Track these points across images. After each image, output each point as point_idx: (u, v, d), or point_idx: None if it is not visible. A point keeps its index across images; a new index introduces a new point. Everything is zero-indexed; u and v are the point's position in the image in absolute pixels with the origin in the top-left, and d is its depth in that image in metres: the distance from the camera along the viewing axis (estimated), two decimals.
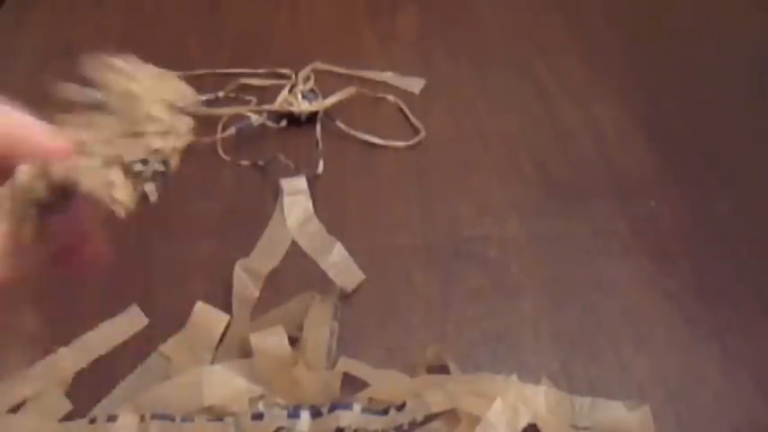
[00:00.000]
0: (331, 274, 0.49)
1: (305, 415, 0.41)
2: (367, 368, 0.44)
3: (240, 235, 0.52)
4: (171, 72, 0.28)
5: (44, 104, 0.27)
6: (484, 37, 0.71)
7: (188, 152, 0.28)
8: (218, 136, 0.58)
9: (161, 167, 0.27)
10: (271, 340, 0.43)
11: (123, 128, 0.27)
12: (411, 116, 0.62)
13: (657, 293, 0.49)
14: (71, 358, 0.45)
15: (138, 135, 0.27)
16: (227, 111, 0.60)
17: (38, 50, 0.69)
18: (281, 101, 0.61)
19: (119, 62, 0.27)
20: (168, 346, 0.46)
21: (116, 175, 0.26)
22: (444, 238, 0.53)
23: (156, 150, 0.27)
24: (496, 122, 0.62)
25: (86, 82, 0.27)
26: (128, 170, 0.27)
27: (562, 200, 0.55)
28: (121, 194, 0.26)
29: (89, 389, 0.44)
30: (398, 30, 0.72)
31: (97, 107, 0.27)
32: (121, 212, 0.26)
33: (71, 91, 0.27)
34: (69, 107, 0.27)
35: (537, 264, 0.51)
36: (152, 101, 0.27)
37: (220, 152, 0.58)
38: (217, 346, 0.46)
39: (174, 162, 0.28)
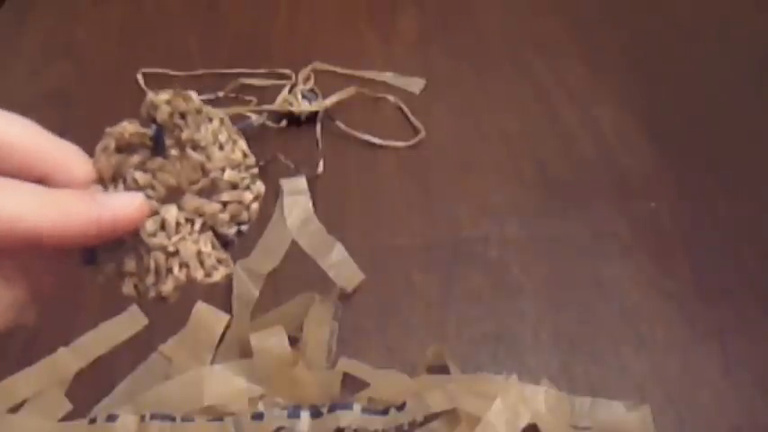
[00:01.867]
0: (331, 274, 0.49)
1: (305, 415, 0.41)
2: (367, 368, 0.44)
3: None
4: (227, 119, 0.27)
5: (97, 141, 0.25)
6: (484, 37, 0.71)
7: None
8: None
9: (246, 232, 0.27)
10: (271, 340, 0.43)
11: (192, 183, 0.25)
12: (411, 116, 0.62)
13: (657, 294, 0.49)
14: (71, 358, 0.45)
15: (216, 198, 0.26)
16: (227, 111, 0.60)
17: (38, 50, 0.69)
18: (281, 101, 0.61)
19: (181, 102, 0.26)
20: (168, 346, 0.46)
21: (212, 248, 0.25)
22: (444, 238, 0.53)
23: (241, 220, 0.26)
24: (496, 122, 0.62)
25: (146, 119, 0.25)
26: (224, 240, 0.26)
27: (562, 200, 0.55)
28: (222, 270, 0.26)
29: (89, 389, 0.44)
30: (398, 30, 0.72)
31: (155, 151, 0.25)
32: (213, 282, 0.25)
33: (132, 129, 0.25)
34: (129, 147, 0.25)
35: (537, 264, 0.51)
36: (220, 159, 0.26)
37: None
38: (217, 346, 0.46)
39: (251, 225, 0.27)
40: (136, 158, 0.25)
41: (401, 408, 0.41)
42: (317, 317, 0.46)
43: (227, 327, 0.47)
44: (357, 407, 0.41)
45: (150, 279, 0.25)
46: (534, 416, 0.40)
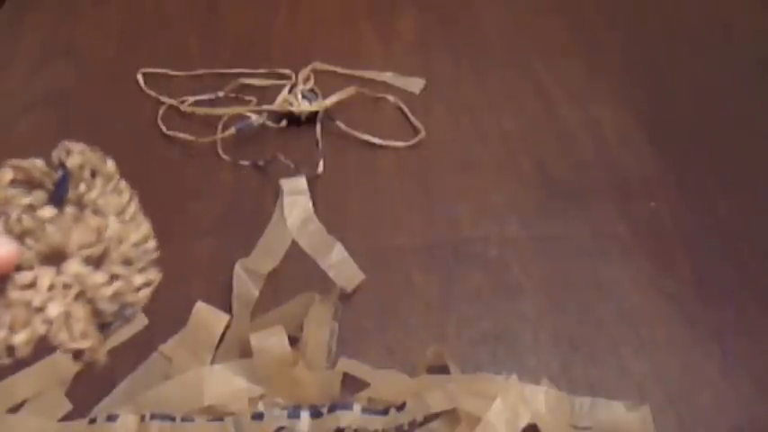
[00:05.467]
0: (331, 274, 0.49)
1: (305, 415, 0.41)
2: (367, 368, 0.44)
3: (240, 235, 0.52)
4: (136, 200, 0.26)
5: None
6: (483, 37, 0.71)
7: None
8: (218, 136, 0.58)
9: (131, 318, 0.25)
10: (271, 340, 0.43)
11: (83, 247, 0.24)
12: (411, 116, 0.62)
13: (657, 294, 0.49)
14: (71, 358, 0.45)
15: (104, 269, 0.24)
16: (227, 111, 0.60)
17: (38, 50, 0.69)
18: (281, 101, 0.61)
19: (95, 158, 0.24)
20: (168, 346, 0.46)
21: (83, 320, 0.23)
22: (444, 238, 0.53)
23: (125, 301, 0.25)
24: (496, 122, 0.62)
25: (56, 164, 0.24)
26: (97, 314, 0.24)
27: (562, 200, 0.55)
28: (92, 345, 0.24)
29: (89, 389, 0.44)
30: (398, 30, 0.72)
31: (53, 199, 0.24)
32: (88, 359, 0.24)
33: (39, 166, 0.24)
34: (28, 184, 0.24)
35: (537, 264, 0.51)
36: (119, 229, 0.24)
37: (220, 152, 0.58)
38: (217, 346, 0.46)
39: (138, 312, 0.25)
40: (27, 199, 0.24)
41: (401, 408, 0.41)
42: (317, 317, 0.46)
43: (227, 327, 0.47)
44: (357, 407, 0.41)
45: (2, 334, 0.22)
46: (534, 416, 0.40)
